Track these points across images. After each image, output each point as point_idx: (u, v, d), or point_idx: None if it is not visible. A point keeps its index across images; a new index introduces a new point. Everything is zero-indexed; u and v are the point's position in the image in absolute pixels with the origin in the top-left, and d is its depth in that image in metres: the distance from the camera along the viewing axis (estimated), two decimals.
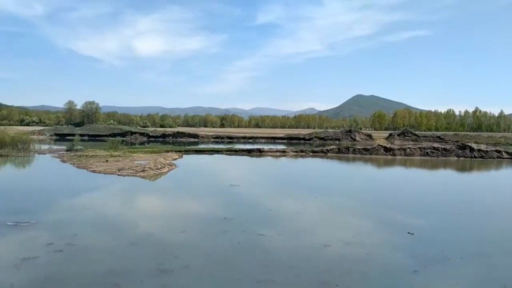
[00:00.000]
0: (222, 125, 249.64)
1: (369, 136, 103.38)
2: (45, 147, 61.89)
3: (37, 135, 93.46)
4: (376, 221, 18.08)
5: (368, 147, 59.04)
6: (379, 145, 58.63)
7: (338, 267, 12.04)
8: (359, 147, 58.66)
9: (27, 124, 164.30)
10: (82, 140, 72.33)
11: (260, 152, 55.07)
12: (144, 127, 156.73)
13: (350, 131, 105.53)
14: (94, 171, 32.57)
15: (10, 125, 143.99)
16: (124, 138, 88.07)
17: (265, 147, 62.60)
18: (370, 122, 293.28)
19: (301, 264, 12.23)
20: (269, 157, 50.67)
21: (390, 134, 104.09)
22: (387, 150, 55.78)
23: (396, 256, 13.30)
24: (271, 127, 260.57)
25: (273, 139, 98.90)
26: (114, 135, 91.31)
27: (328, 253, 13.28)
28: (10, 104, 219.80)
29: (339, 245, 14.11)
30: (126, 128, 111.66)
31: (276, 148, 59.02)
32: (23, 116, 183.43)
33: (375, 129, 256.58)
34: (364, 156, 53.67)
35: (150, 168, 32.91)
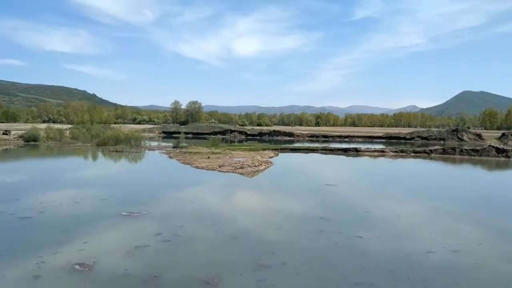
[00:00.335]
0: (317, 124, 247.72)
1: (479, 135, 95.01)
2: (154, 144, 66.79)
3: (147, 133, 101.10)
4: (486, 228, 16.60)
5: (477, 147, 54.39)
6: (490, 145, 53.70)
7: (444, 276, 11.27)
8: (467, 148, 54.31)
9: (139, 123, 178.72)
10: (186, 138, 76.71)
11: (356, 152, 53.64)
12: (242, 125, 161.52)
13: (456, 130, 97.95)
14: (197, 167, 34.33)
15: (124, 123, 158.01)
16: (224, 136, 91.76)
17: (362, 146, 60.79)
18: (480, 120, 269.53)
19: (403, 269, 11.68)
20: (366, 157, 49.11)
21: (503, 134, 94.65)
22: (499, 151, 50.86)
23: (510, 269, 12.09)
24: (368, 126, 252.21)
25: (370, 138, 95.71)
26: (215, 133, 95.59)
27: (432, 260, 12.49)
28: (124, 104, 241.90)
29: (445, 252, 13.20)
30: (226, 126, 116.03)
31: (374, 148, 57.01)
32: (135, 115, 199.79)
33: (485, 128, 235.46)
34: (472, 157, 49.56)
35: (248, 165, 33.81)
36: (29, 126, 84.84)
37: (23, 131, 68.90)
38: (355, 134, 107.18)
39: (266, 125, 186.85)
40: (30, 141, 63.42)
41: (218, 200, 22.06)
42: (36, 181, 28.81)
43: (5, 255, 11.91)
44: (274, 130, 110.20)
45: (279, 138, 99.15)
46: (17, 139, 65.62)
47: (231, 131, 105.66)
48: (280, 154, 49.47)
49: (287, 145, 67.06)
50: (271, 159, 41.49)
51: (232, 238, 14.25)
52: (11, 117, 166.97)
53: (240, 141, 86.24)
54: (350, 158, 48.28)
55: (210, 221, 16.63)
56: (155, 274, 10.75)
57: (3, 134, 67.23)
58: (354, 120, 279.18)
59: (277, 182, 28.62)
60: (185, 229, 15.08)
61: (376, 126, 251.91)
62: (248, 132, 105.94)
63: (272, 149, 53.57)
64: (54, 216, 17.02)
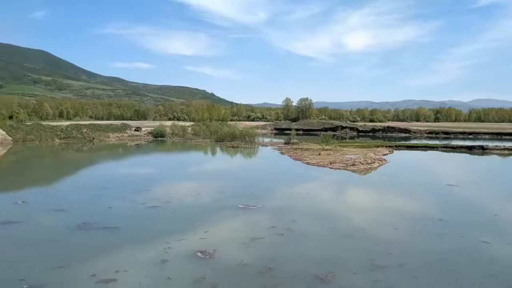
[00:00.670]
0: (436, 119, 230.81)
1: None
2: (267, 140, 68.55)
3: (260, 129, 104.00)
4: None
5: None
6: None
7: None
8: None
9: (253, 120, 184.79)
10: (297, 134, 77.26)
11: (483, 150, 48.83)
12: (353, 121, 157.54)
13: None
14: (308, 163, 34.39)
15: (239, 120, 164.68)
16: (334, 133, 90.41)
17: (490, 144, 55.17)
18: None
19: None
20: (495, 156, 44.42)
21: None
22: None
23: None
24: (496, 121, 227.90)
25: (499, 135, 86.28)
26: (325, 129, 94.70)
27: None
28: (239, 102, 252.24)
29: None
30: (337, 123, 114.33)
31: (503, 146, 51.33)
32: (249, 112, 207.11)
33: None
34: None
35: (360, 162, 32.89)
36: (157, 123, 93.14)
37: (151, 128, 75.84)
38: (481, 130, 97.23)
39: (379, 121, 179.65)
40: (158, 137, 69.57)
41: (330, 196, 21.85)
42: (164, 174, 31.49)
43: (138, 240, 13.22)
44: (388, 126, 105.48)
45: (393, 134, 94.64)
46: (147, 135, 72.39)
47: (342, 128, 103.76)
48: (394, 151, 47.19)
49: (403, 142, 63.66)
50: (385, 157, 39.79)
51: (345, 235, 14.01)
52: (142, 115, 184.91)
53: (352, 138, 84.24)
54: (476, 157, 44.11)
55: (323, 217, 16.54)
56: (270, 266, 11.03)
57: (135, 130, 74.66)
58: (479, 115, 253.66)
59: (391, 181, 27.38)
60: (298, 224, 15.22)
61: (506, 122, 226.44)
62: (360, 129, 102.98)
63: (386, 146, 51.35)
64: (179, 206, 18.44)
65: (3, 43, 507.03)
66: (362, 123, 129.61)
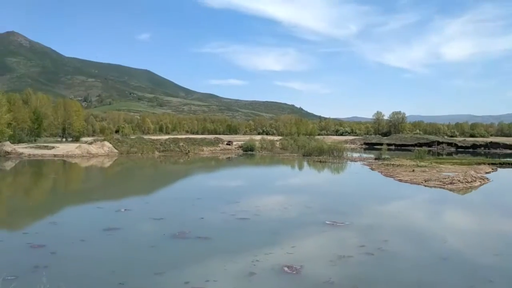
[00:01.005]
0: None
1: None
2: (356, 155, 66.78)
3: (349, 144, 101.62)
4: None
5: None
6: None
7: None
8: None
9: (341, 134, 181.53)
10: (389, 149, 74.30)
11: None
12: (451, 136, 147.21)
13: None
14: (400, 180, 32.78)
15: (327, 134, 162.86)
16: (430, 148, 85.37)
17: None
18: None
19: None
20: None
21: None
22: None
23: None
24: None
25: None
26: (420, 144, 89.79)
27: None
28: (327, 116, 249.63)
29: None
30: (432, 137, 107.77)
31: None
32: (338, 126, 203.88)
33: None
34: None
35: (459, 180, 30.53)
36: (247, 137, 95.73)
37: (242, 142, 78.04)
38: None
39: (481, 136, 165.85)
40: (248, 151, 71.31)
41: (424, 216, 20.54)
42: (252, 187, 32.11)
43: (228, 251, 13.54)
44: (491, 142, 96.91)
45: (497, 151, 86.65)
46: (237, 149, 74.57)
47: (439, 143, 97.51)
48: (498, 169, 43.10)
49: (508, 159, 57.98)
50: (487, 175, 36.50)
51: (441, 258, 13.01)
52: (233, 130, 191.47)
53: (449, 154, 78.70)
54: None
55: (416, 238, 15.58)
56: (358, 287, 10.61)
57: (226, 144, 77.38)
58: None
59: (494, 201, 25.00)
60: (389, 244, 14.50)
61: None
62: (459, 144, 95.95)
63: (488, 164, 47.15)
64: (267, 219, 18.61)
65: (113, 63, 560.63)
66: (461, 138, 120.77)
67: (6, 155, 51.97)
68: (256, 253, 13.03)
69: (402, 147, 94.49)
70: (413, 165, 43.34)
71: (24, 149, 56.82)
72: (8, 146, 54.46)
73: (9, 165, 45.11)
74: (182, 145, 68.89)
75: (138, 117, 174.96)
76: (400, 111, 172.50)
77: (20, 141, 66.82)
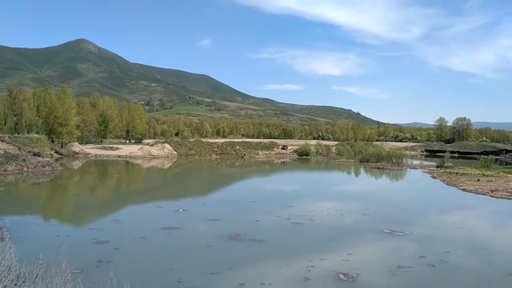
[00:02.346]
0: None
1: None
2: (416, 162, 64.22)
3: (409, 151, 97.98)
4: None
5: None
6: None
7: None
8: None
9: (401, 140, 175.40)
10: (452, 157, 70.74)
11: None
12: None
13: None
14: (464, 190, 31.07)
15: (386, 140, 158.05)
16: (497, 157, 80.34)
17: None
18: None
19: None
20: None
21: None
22: None
23: None
24: None
25: None
26: (486, 153, 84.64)
27: None
28: (386, 122, 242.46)
29: None
30: (500, 146, 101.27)
31: None
32: (397, 132, 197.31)
33: None
34: None
35: None
36: (302, 142, 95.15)
37: (297, 146, 77.66)
38: None
39: None
40: (302, 155, 70.83)
41: (490, 228, 19.31)
42: (307, 191, 31.83)
43: (282, 255, 13.48)
44: None
45: None
46: (292, 153, 74.30)
47: (507, 151, 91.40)
48: None
49: None
50: None
51: (509, 274, 12.14)
52: (288, 134, 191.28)
53: None
54: None
55: (482, 251, 14.65)
56: None
57: (281, 148, 77.34)
58: None
59: None
60: (452, 255, 13.75)
61: None
62: None
63: None
64: (322, 224, 18.34)
65: (174, 69, 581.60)
66: None
67: (75, 155, 55.33)
68: (311, 259, 12.86)
69: (467, 155, 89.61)
70: (479, 174, 40.94)
71: (91, 149, 60.25)
72: (77, 147, 57.97)
73: (76, 164, 47.98)
74: (238, 149, 69.79)
75: (197, 121, 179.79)
76: (465, 117, 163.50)
77: (87, 142, 70.95)
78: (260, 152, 71.29)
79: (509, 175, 40.63)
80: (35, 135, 57.97)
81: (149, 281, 10.63)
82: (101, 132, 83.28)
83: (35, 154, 42.64)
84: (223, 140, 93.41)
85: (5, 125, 72.11)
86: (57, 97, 63.49)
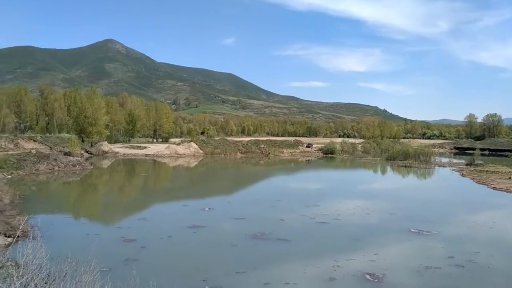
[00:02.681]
0: None
1: None
2: (444, 160, 62.73)
3: (437, 148, 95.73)
4: None
5: None
6: None
7: None
8: None
9: (429, 138, 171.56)
10: (482, 155, 68.82)
11: None
12: None
13: None
14: (495, 188, 30.17)
15: (413, 138, 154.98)
16: None
17: None
18: None
19: None
20: None
21: None
22: None
23: None
24: None
25: None
26: None
27: None
28: (414, 119, 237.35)
29: None
30: None
31: None
32: (425, 129, 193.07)
33: None
34: None
35: None
36: (327, 140, 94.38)
37: (322, 145, 77.06)
38: None
39: None
40: (328, 154, 70.25)
41: None
42: (332, 190, 31.58)
43: (307, 254, 13.42)
44: None
45: None
46: (317, 152, 73.80)
47: None
48: None
49: None
50: None
51: None
52: (313, 132, 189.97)
53: None
54: None
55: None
56: None
57: (306, 147, 76.90)
58: None
59: None
60: (481, 256, 13.37)
61: None
62: None
63: None
64: (348, 223, 18.16)
65: (199, 68, 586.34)
66: None
67: (104, 154, 56.56)
68: (336, 258, 12.75)
69: (498, 153, 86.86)
70: (510, 172, 39.62)
71: (119, 148, 61.47)
72: (106, 146, 59.26)
73: (105, 163, 49.05)
74: (263, 147, 69.83)
75: (222, 120, 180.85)
76: (495, 114, 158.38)
77: (116, 141, 72.34)
78: (284, 151, 71.11)
79: None
80: (66, 134, 59.47)
81: (174, 279, 10.77)
82: (129, 131, 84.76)
83: (66, 154, 43.79)
84: (248, 138, 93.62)
85: (37, 125, 74.25)
86: (86, 97, 64.98)
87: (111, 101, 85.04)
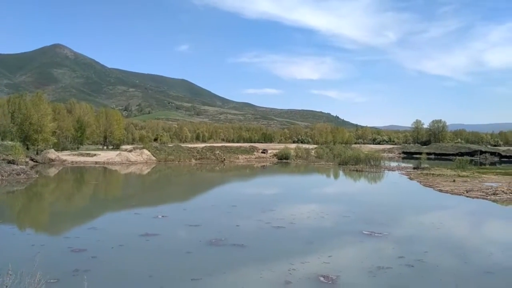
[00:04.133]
0: None
1: None
2: (393, 164, 65.18)
3: (387, 153, 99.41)
4: None
5: None
6: None
7: None
8: None
9: (379, 143, 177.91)
10: (428, 159, 72.04)
11: None
12: (495, 146, 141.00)
13: None
14: (440, 190, 31.67)
15: (364, 143, 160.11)
16: (472, 158, 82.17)
17: None
18: None
19: None
20: None
21: None
22: None
23: None
24: None
25: None
26: (461, 154, 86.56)
27: None
28: (364, 125, 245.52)
29: None
30: (475, 147, 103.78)
31: None
32: (375, 135, 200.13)
33: None
34: None
35: (503, 191, 29.15)
36: (282, 146, 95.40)
37: (277, 150, 77.81)
38: None
39: None
40: (282, 159, 71.02)
41: (466, 228, 19.73)
42: (287, 195, 31.89)
43: (263, 259, 13.44)
44: None
45: None
46: (272, 157, 74.42)
47: (481, 152, 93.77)
48: None
49: None
50: None
51: (486, 272, 12.40)
52: (268, 138, 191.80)
53: (493, 164, 75.59)
54: None
55: (458, 250, 14.93)
56: None
57: (261, 152, 77.37)
58: None
59: None
60: (430, 255, 13.95)
61: None
62: (503, 154, 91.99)
63: None
64: (303, 227, 18.38)
65: (152, 74, 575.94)
66: (505, 148, 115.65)
67: (50, 162, 54.08)
68: (292, 262, 12.86)
69: (442, 157, 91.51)
70: (454, 175, 41.82)
71: (67, 156, 59.01)
72: (52, 154, 56.69)
73: (52, 171, 46.92)
74: (218, 153, 69.51)
75: (176, 126, 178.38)
76: (440, 120, 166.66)
77: (63, 149, 69.39)
78: (240, 157, 71.16)
79: (484, 176, 41.64)
80: (10, 142, 56.38)
81: None
82: (78, 138, 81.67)
83: (9, 162, 41.54)
84: (203, 145, 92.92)
85: None
86: (32, 103, 62.01)
87: (59, 108, 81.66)
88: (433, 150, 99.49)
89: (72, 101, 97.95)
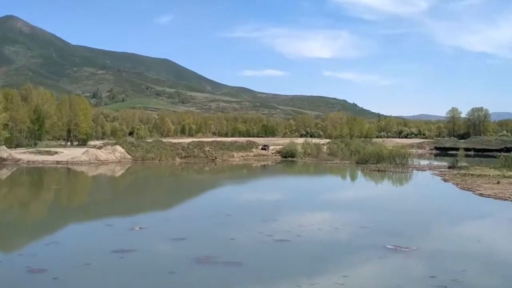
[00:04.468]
0: None
1: None
2: (424, 162, 65.39)
3: (416, 149, 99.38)
4: None
5: None
6: None
7: None
8: None
9: (406, 136, 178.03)
10: (466, 156, 72.32)
11: None
12: None
13: None
14: (481, 194, 31.75)
15: (387, 137, 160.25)
16: None
17: None
18: None
19: None
20: None
21: None
22: None
23: None
24: None
25: None
26: (507, 149, 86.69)
27: None
28: (388, 114, 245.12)
29: None
30: None
31: None
32: (401, 127, 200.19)
33: None
34: None
35: None
36: (286, 140, 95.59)
37: (280, 146, 77.96)
38: None
39: None
40: (287, 157, 71.14)
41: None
42: (294, 201, 31.95)
43: (263, 280, 13.47)
44: None
45: None
46: (275, 155, 74.58)
47: None
48: None
49: None
50: None
51: None
52: (270, 131, 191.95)
53: None
54: None
55: (503, 267, 15.01)
56: None
57: (261, 149, 77.50)
58: None
59: None
60: (468, 275, 14.00)
61: None
62: None
63: None
64: (312, 241, 18.43)
65: (127, 52, 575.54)
66: None
67: (2, 162, 54.15)
68: (298, 284, 12.90)
69: (484, 153, 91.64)
70: (499, 175, 41.91)
71: (22, 154, 59.06)
72: (4, 151, 56.74)
73: (4, 173, 46.98)
74: (208, 150, 69.60)
75: (156, 117, 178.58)
76: (482, 107, 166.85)
77: (18, 145, 69.47)
78: (235, 154, 71.24)
79: None
80: None
81: None
82: (35, 132, 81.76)
83: None
84: (190, 139, 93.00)
85: None
86: None
87: (11, 94, 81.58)
88: (473, 145, 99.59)
89: (28, 86, 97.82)
